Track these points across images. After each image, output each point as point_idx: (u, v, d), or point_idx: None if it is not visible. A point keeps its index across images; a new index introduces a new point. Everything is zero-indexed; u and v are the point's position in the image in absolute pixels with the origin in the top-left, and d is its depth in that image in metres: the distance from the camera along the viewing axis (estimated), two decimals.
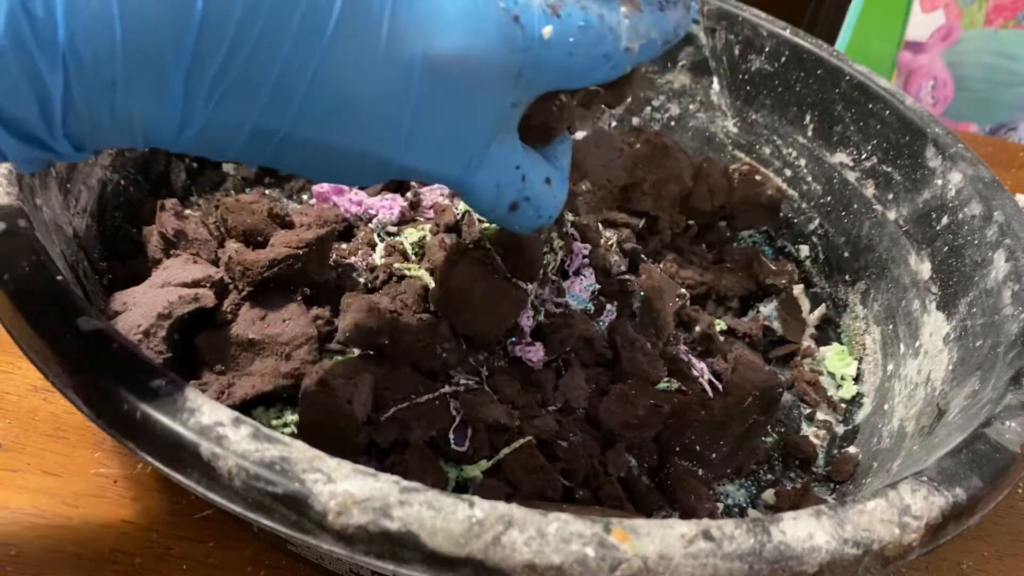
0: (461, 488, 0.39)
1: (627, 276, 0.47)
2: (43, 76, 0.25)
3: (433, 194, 0.49)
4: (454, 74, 0.28)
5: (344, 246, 0.46)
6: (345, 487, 0.25)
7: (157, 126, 0.27)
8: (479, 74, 0.29)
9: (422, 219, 0.48)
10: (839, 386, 0.52)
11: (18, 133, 0.26)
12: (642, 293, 0.46)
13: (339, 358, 0.39)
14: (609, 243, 0.47)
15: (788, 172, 0.59)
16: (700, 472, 0.42)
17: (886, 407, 0.47)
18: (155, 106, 0.26)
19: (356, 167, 0.30)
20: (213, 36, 0.25)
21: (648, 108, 0.64)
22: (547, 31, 0.29)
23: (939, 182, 0.50)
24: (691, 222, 0.58)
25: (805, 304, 0.56)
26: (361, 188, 0.48)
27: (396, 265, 0.43)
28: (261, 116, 0.27)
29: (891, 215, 0.53)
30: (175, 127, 0.27)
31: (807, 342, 0.54)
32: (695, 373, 0.45)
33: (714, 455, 0.42)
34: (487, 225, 0.43)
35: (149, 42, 0.25)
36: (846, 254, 0.56)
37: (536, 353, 0.42)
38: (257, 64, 0.26)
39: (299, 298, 0.40)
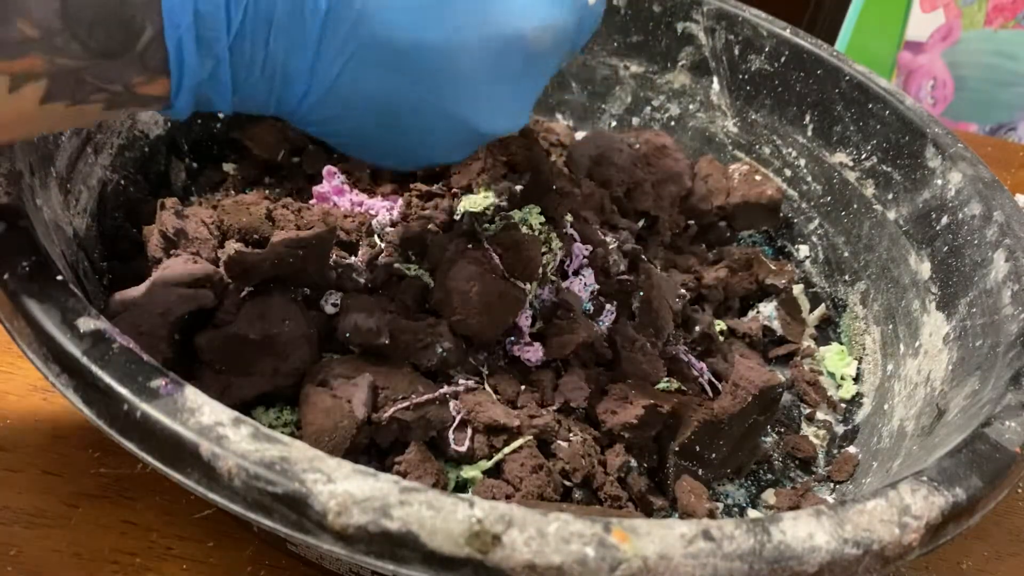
0: (461, 488, 0.39)
1: (627, 276, 0.47)
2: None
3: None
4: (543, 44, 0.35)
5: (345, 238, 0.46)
6: (345, 487, 0.25)
7: (293, 77, 0.32)
8: (559, 40, 0.36)
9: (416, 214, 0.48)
10: (839, 386, 0.52)
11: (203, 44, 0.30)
12: (642, 293, 0.46)
13: (339, 358, 0.39)
14: (609, 244, 0.47)
15: (788, 172, 0.59)
16: (700, 472, 0.42)
17: (886, 407, 0.47)
18: (293, 56, 0.31)
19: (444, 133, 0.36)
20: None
21: (648, 108, 0.64)
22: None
23: (939, 182, 0.50)
24: (691, 222, 0.58)
25: (805, 304, 0.56)
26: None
27: (396, 265, 0.43)
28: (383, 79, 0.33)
29: (891, 215, 0.53)
30: (304, 83, 0.32)
31: (807, 342, 0.54)
32: (695, 373, 0.45)
33: (714, 455, 0.42)
34: (488, 225, 0.43)
35: None
36: (846, 254, 0.56)
37: (535, 353, 0.42)
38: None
39: (299, 298, 0.40)
